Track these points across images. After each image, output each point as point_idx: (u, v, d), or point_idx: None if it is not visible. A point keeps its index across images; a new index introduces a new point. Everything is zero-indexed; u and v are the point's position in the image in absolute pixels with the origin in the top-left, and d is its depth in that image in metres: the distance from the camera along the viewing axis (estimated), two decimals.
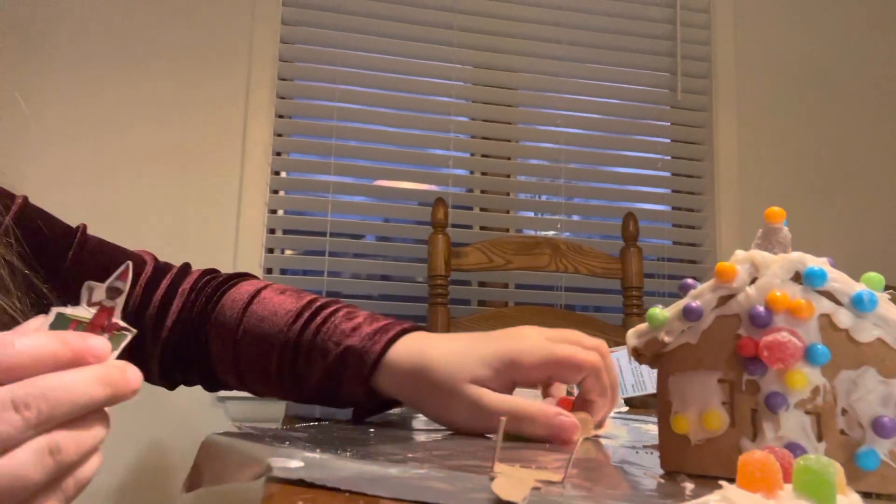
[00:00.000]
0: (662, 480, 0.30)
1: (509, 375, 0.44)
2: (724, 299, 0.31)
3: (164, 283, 0.55)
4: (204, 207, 1.70)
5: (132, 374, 0.27)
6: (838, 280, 0.29)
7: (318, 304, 0.50)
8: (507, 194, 1.98)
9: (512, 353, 0.44)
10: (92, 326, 0.28)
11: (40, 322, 0.28)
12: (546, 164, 2.00)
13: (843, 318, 0.29)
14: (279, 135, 1.82)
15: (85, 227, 0.57)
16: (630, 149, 2.06)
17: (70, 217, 1.54)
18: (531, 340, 0.44)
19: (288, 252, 1.85)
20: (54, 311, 0.29)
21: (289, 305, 0.49)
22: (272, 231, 1.79)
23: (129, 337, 0.29)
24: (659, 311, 0.32)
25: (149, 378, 0.55)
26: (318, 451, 0.32)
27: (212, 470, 0.31)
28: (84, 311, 0.29)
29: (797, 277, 0.30)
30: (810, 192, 2.03)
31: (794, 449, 0.29)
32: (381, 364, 0.45)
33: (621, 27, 2.04)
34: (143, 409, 1.53)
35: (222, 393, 1.54)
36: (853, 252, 1.97)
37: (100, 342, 0.27)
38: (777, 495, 0.25)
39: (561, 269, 1.54)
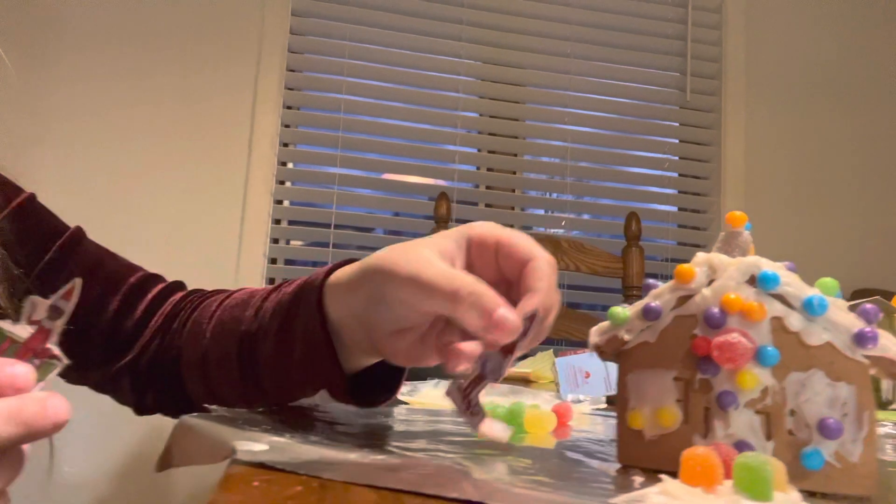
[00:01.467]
0: (615, 473, 0.31)
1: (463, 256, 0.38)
2: (683, 300, 0.32)
3: (150, 295, 0.53)
4: (210, 196, 1.71)
5: (54, 407, 0.24)
6: (791, 284, 0.30)
7: (290, 281, 0.45)
8: (513, 191, 1.99)
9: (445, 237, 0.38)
10: (25, 349, 0.26)
11: None
12: (553, 161, 2.01)
13: (795, 321, 0.29)
14: (287, 126, 1.84)
15: (80, 228, 0.55)
16: (637, 148, 2.06)
17: (76, 202, 1.57)
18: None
19: (294, 242, 1.86)
20: None
21: (260, 291, 0.46)
22: (277, 221, 1.81)
23: (59, 367, 0.26)
24: (620, 310, 0.33)
25: (119, 394, 0.52)
26: (286, 434, 0.33)
27: (182, 451, 0.32)
28: (22, 330, 0.26)
29: (753, 280, 0.30)
30: (818, 196, 2.02)
31: (743, 447, 0.29)
32: (326, 284, 0.39)
33: (631, 26, 2.03)
34: None
35: None
36: (860, 256, 1.97)
37: (23, 371, 0.24)
38: (716, 490, 0.26)
39: (562, 267, 1.54)
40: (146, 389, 0.51)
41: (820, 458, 0.28)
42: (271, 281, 1.77)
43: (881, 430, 0.48)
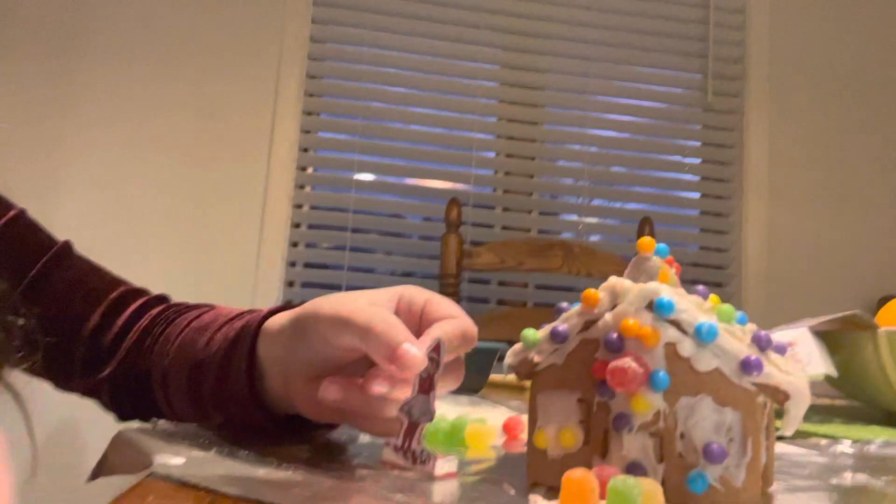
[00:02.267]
0: (513, 492, 0.32)
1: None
2: (589, 324, 0.33)
3: (129, 310, 0.54)
4: (230, 200, 1.76)
5: None
6: (686, 311, 0.30)
7: (248, 312, 0.47)
8: (531, 195, 1.99)
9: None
10: None
11: None
12: (571, 165, 2.00)
13: (687, 347, 0.30)
14: (306, 131, 1.88)
15: (68, 242, 0.57)
16: (658, 152, 2.04)
17: (98, 208, 1.65)
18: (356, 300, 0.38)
19: (322, 247, 1.90)
20: None
21: (221, 318, 0.47)
22: (296, 225, 1.84)
23: None
24: (531, 333, 0.34)
25: (101, 402, 0.54)
26: (213, 449, 0.35)
27: (112, 461, 0.34)
28: None
29: (652, 306, 0.31)
30: (843, 199, 1.97)
31: (636, 469, 0.30)
32: (261, 329, 0.41)
33: (651, 27, 2.02)
34: None
35: None
36: (887, 261, 1.91)
37: None
38: None
39: (573, 272, 1.54)
40: (125, 400, 0.53)
41: (704, 481, 0.29)
42: (290, 284, 1.81)
43: (837, 449, 0.48)
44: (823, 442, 0.51)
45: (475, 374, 0.85)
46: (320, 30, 1.89)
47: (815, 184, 1.97)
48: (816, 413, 0.71)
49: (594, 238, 1.98)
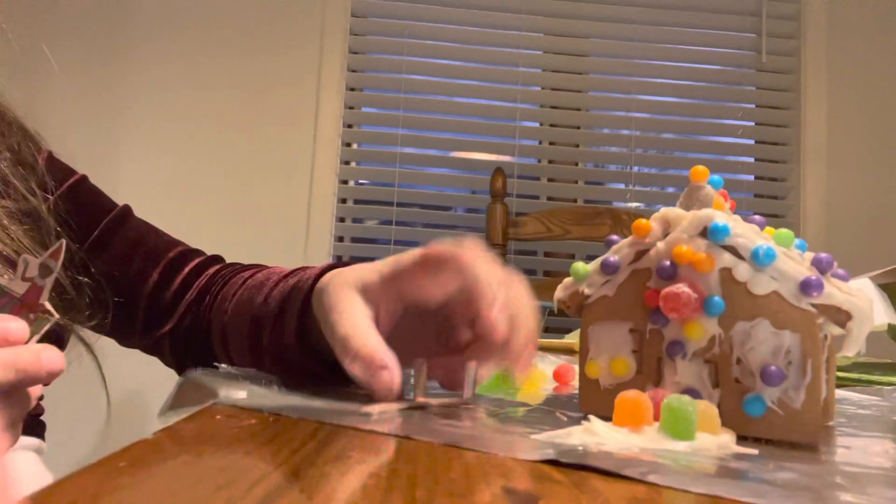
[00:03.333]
0: (565, 419, 0.32)
1: (395, 284, 0.36)
2: (640, 254, 0.32)
3: (186, 269, 0.56)
4: (279, 178, 1.79)
5: (48, 357, 0.28)
6: (742, 235, 0.30)
7: (301, 270, 0.47)
8: (576, 164, 1.96)
9: (401, 255, 0.37)
10: (21, 305, 0.29)
11: None
12: (618, 133, 1.97)
13: (743, 271, 0.29)
14: (350, 107, 1.89)
15: (127, 206, 0.60)
16: (710, 116, 1.98)
17: (149, 182, 1.69)
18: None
19: (369, 222, 1.92)
20: None
21: (275, 276, 0.48)
22: (343, 201, 1.86)
23: (50, 322, 0.30)
24: (581, 266, 0.34)
25: (162, 357, 0.57)
26: (273, 386, 0.36)
27: (178, 399, 0.35)
28: (18, 286, 0.29)
29: (706, 233, 0.30)
30: None
31: (691, 394, 0.30)
32: (316, 286, 0.41)
33: None
34: None
35: None
36: None
37: (16, 326, 0.28)
38: (642, 430, 0.27)
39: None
40: (184, 355, 0.55)
41: (761, 404, 0.28)
42: (338, 258, 1.84)
43: None
44: (886, 388, 0.49)
45: None
46: (361, 3, 1.89)
47: (877, 146, 1.89)
48: (877, 368, 0.69)
49: (643, 207, 1.94)
